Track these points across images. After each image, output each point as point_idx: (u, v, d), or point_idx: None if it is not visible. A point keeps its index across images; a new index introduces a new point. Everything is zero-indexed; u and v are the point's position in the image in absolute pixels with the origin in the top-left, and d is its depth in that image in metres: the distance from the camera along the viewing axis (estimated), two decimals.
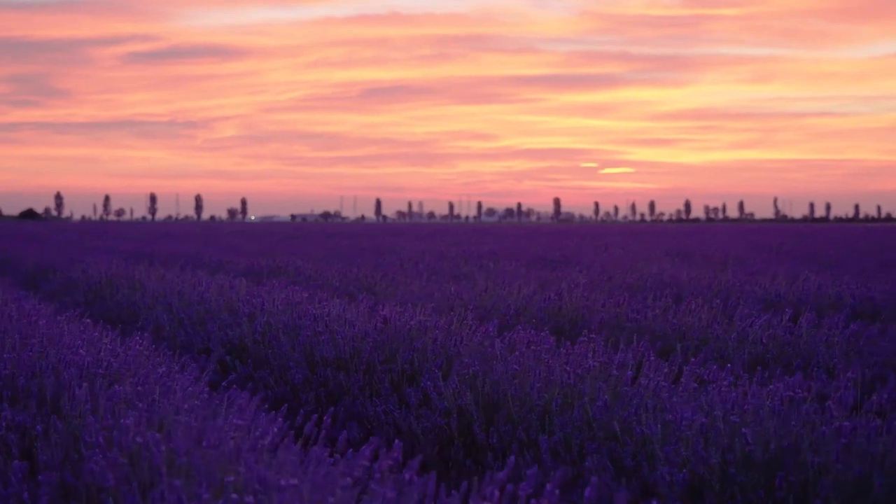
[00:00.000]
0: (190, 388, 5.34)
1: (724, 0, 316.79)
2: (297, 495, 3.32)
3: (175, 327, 10.26)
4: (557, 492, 3.12)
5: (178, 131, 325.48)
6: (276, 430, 4.19)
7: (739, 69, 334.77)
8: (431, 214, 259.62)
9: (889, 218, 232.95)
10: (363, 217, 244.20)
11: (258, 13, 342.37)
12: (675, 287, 13.25)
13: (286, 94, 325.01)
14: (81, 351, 5.84)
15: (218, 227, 78.26)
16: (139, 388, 5.16)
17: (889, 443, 4.57)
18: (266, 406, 6.00)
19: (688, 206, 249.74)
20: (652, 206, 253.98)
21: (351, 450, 3.99)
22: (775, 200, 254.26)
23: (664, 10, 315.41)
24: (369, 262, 20.35)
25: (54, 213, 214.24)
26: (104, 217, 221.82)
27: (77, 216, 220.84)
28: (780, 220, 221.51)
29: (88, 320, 8.08)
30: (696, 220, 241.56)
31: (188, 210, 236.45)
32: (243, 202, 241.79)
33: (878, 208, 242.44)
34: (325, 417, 4.32)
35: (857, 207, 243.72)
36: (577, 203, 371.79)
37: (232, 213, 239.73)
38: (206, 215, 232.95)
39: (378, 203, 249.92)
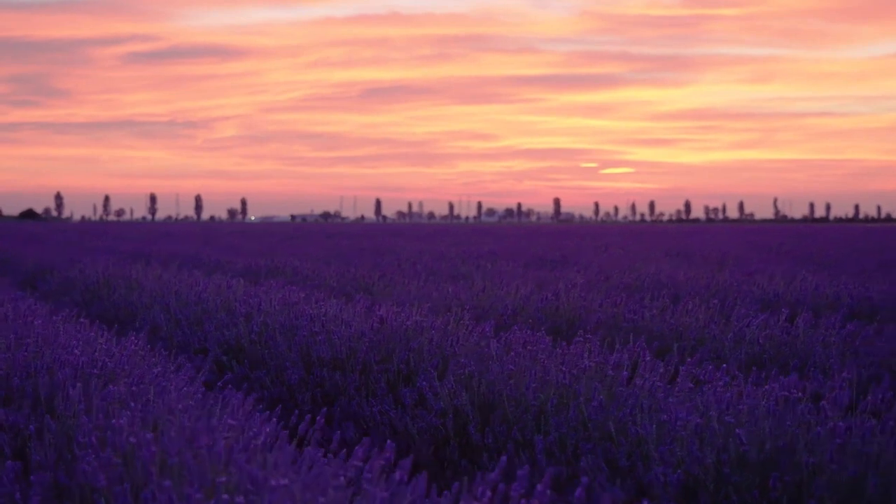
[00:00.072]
0: (185, 389, 5.33)
1: (724, 0, 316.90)
2: (289, 495, 3.31)
3: (172, 327, 10.25)
4: (549, 492, 3.11)
5: (178, 131, 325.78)
6: (268, 430, 4.18)
7: (739, 69, 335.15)
8: (431, 215, 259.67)
9: (889, 218, 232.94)
10: (363, 217, 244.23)
11: (258, 13, 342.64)
12: (673, 287, 13.24)
13: (286, 94, 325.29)
14: (76, 351, 5.84)
15: (218, 228, 78.26)
16: (134, 388, 5.15)
17: (884, 443, 4.57)
18: (261, 406, 6.01)
19: (688, 206, 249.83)
20: (652, 206, 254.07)
21: (345, 450, 3.98)
22: (775, 201, 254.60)
23: (664, 10, 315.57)
24: (368, 262, 20.35)
25: (54, 213, 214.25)
26: (104, 217, 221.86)
27: (77, 216, 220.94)
28: (780, 221, 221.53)
29: (84, 320, 8.08)
30: (696, 220, 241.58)
31: (188, 210, 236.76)
32: (243, 202, 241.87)
33: (879, 208, 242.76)
34: (318, 417, 4.31)
35: (857, 207, 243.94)
36: (577, 203, 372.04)
37: (232, 213, 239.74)
38: (205, 215, 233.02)
39: (378, 203, 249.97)
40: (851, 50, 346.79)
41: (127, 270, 15.77)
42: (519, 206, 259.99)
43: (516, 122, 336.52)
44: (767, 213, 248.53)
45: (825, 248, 26.44)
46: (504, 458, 3.62)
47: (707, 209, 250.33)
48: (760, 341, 8.13)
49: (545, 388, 5.98)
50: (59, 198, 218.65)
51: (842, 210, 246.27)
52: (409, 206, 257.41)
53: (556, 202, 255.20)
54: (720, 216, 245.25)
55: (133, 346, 6.41)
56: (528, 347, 6.59)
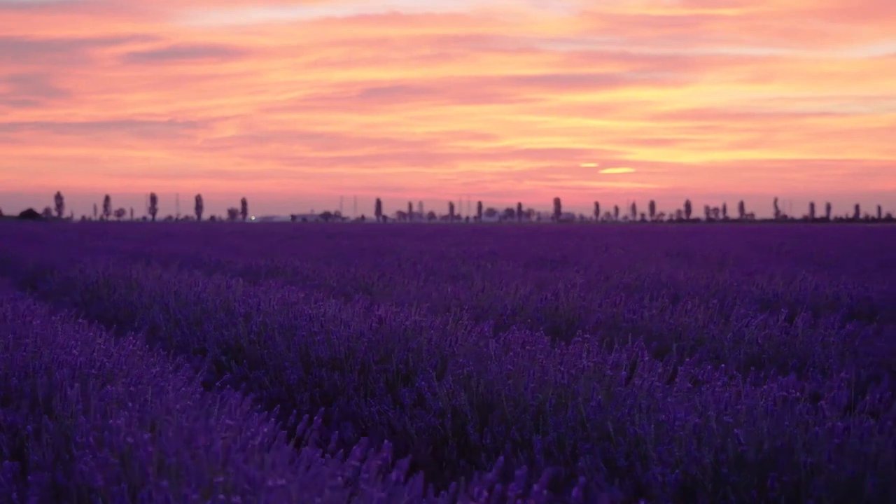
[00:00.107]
0: (183, 389, 5.33)
1: (724, 0, 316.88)
2: (285, 495, 3.31)
3: (171, 327, 10.25)
4: (545, 492, 3.11)
5: (179, 131, 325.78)
6: (266, 430, 4.18)
7: (739, 69, 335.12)
8: (432, 215, 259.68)
9: (889, 218, 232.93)
10: (363, 217, 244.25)
11: (258, 13, 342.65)
12: (673, 287, 13.24)
13: (286, 94, 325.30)
14: (75, 351, 5.84)
15: (218, 228, 78.26)
16: (132, 388, 5.15)
17: (882, 443, 4.56)
18: (260, 406, 6.01)
19: (688, 206, 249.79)
20: (652, 206, 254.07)
21: (342, 450, 3.98)
22: (775, 201, 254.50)
23: (664, 10, 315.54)
24: (368, 262, 20.35)
25: (54, 213, 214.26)
26: (104, 217, 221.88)
27: (77, 216, 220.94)
28: (781, 221, 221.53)
29: (83, 320, 8.08)
30: (697, 220, 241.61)
31: (188, 210, 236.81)
32: (243, 202, 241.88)
33: (879, 208, 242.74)
34: (315, 417, 4.31)
35: (857, 207, 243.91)
36: (578, 203, 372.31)
37: (232, 213, 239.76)
38: (206, 215, 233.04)
39: (378, 203, 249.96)
40: (851, 50, 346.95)
41: (127, 270, 15.77)
42: (519, 206, 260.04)
43: (516, 122, 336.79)
44: (768, 213, 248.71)
45: (825, 248, 26.43)
46: (501, 458, 3.61)
47: (707, 209, 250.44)
48: (759, 341, 8.13)
49: (543, 388, 5.97)
50: (59, 198, 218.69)
51: (842, 210, 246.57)
52: (410, 206, 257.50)
53: (557, 202, 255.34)
54: (720, 216, 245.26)
55: (131, 347, 6.41)
56: (527, 347, 6.59)
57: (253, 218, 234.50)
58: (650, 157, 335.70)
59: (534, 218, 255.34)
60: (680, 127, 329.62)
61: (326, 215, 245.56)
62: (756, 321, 8.49)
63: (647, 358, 6.02)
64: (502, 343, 7.02)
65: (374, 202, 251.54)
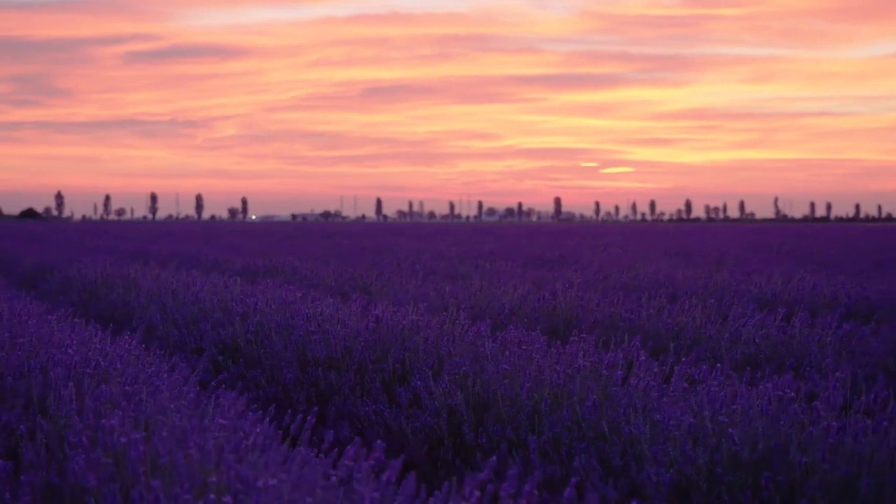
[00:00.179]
0: (178, 388, 5.32)
1: (724, 0, 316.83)
2: (277, 495, 3.30)
3: (168, 327, 10.24)
4: (536, 492, 3.10)
5: (179, 131, 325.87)
6: (260, 429, 4.17)
7: (739, 69, 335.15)
8: (432, 214, 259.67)
9: (889, 218, 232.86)
10: (364, 217, 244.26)
11: (258, 13, 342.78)
12: (671, 286, 13.23)
13: (287, 94, 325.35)
14: (70, 350, 5.83)
15: (218, 227, 78.25)
16: (127, 387, 5.14)
17: (876, 443, 4.56)
18: (256, 406, 5.99)
19: (688, 205, 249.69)
20: (652, 205, 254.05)
21: (336, 450, 3.97)
22: (776, 200, 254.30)
23: (664, 10, 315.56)
24: (367, 261, 20.34)
25: (55, 212, 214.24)
26: (105, 217, 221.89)
27: (78, 216, 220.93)
28: (781, 220, 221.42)
29: (80, 320, 8.07)
30: (697, 219, 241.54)
31: (189, 209, 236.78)
32: (244, 202, 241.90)
33: (879, 208, 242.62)
34: (308, 416, 4.30)
35: (857, 207, 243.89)
36: (578, 203, 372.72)
37: (232, 212, 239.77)
38: (206, 215, 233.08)
39: (378, 202, 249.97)
40: (851, 50, 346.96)
41: (125, 270, 15.77)
42: (519, 205, 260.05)
43: (517, 122, 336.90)
44: (768, 213, 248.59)
45: (825, 248, 26.42)
46: (494, 457, 3.61)
47: (708, 209, 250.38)
48: (756, 341, 8.12)
49: (539, 388, 5.97)
50: (59, 197, 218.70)
51: (842, 210, 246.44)
52: (410, 205, 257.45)
53: (557, 202, 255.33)
54: (721, 216, 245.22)
55: (127, 346, 6.40)
56: (524, 347, 6.58)
57: (253, 217, 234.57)
58: (650, 157, 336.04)
59: (534, 217, 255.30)
60: (680, 127, 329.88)
61: (327, 215, 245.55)
62: (753, 321, 8.48)
63: (643, 357, 6.02)
64: (499, 343, 7.02)
65: (374, 201, 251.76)
